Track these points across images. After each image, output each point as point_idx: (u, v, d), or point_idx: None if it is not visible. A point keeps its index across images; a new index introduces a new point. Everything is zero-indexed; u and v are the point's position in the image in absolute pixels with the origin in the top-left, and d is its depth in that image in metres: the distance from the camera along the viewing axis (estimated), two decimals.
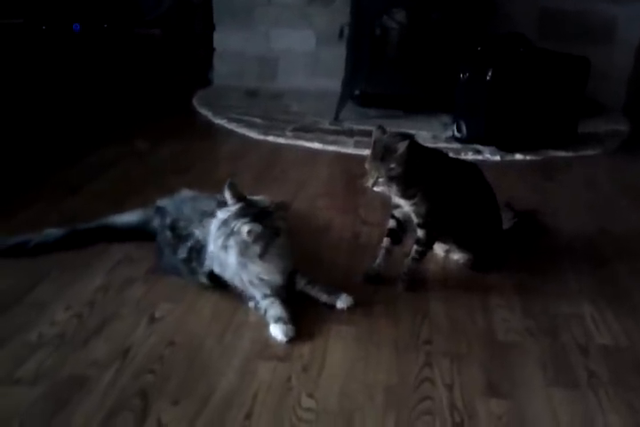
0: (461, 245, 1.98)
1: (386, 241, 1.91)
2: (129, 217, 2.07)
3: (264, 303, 1.69)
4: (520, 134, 3.13)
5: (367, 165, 1.76)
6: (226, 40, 4.11)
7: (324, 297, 1.75)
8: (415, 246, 1.88)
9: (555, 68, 3.15)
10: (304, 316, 1.69)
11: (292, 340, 1.60)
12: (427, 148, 1.86)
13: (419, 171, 1.76)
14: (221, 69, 4.18)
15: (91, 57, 4.09)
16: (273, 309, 1.66)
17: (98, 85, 3.94)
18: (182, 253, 1.81)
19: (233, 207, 1.71)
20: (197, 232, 1.81)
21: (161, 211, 1.95)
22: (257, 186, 2.49)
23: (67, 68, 3.98)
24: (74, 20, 4.16)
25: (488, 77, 3.00)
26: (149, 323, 1.67)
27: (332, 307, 1.74)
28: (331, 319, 1.70)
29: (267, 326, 1.64)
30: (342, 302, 1.74)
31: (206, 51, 4.17)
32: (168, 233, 1.86)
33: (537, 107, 3.10)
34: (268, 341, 1.61)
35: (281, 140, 3.21)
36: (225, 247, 1.68)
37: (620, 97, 3.83)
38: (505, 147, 3.10)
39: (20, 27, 4.10)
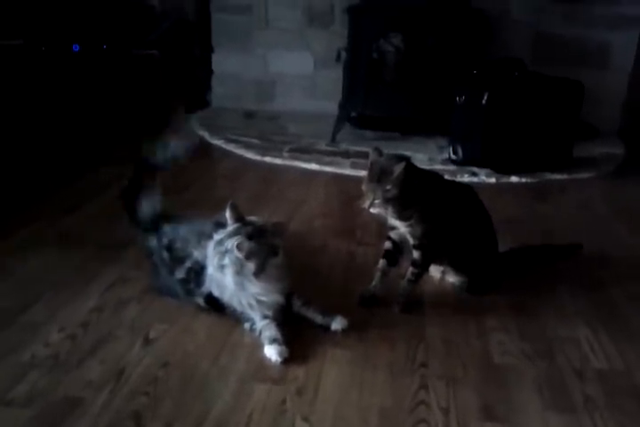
0: (457, 267, 1.98)
1: (382, 263, 1.91)
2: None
3: (259, 325, 1.68)
4: (516, 157, 3.15)
5: (363, 187, 1.77)
6: (224, 62, 4.15)
7: (318, 319, 1.75)
8: (411, 268, 1.88)
9: (549, 92, 3.19)
10: (299, 338, 1.68)
11: (287, 362, 1.59)
12: (423, 170, 1.87)
13: (415, 193, 1.77)
14: (219, 91, 4.21)
15: (90, 78, 4.11)
16: (268, 330, 1.66)
17: (96, 106, 3.95)
18: (180, 273, 1.81)
19: (229, 227, 1.71)
20: (196, 253, 1.80)
21: (158, 232, 1.95)
22: (254, 206, 2.50)
23: (66, 89, 4.00)
24: (73, 40, 4.19)
25: (484, 101, 3.03)
26: (144, 344, 1.66)
27: (328, 329, 1.73)
28: (326, 342, 1.69)
29: (261, 347, 1.63)
30: (337, 324, 1.73)
31: (205, 73, 4.20)
32: (165, 254, 1.85)
33: (532, 130, 3.12)
34: (262, 362, 1.60)
35: (278, 161, 3.23)
36: (221, 267, 1.68)
37: (614, 121, 3.86)
38: (500, 169, 3.11)
39: (19, 48, 4.13)
